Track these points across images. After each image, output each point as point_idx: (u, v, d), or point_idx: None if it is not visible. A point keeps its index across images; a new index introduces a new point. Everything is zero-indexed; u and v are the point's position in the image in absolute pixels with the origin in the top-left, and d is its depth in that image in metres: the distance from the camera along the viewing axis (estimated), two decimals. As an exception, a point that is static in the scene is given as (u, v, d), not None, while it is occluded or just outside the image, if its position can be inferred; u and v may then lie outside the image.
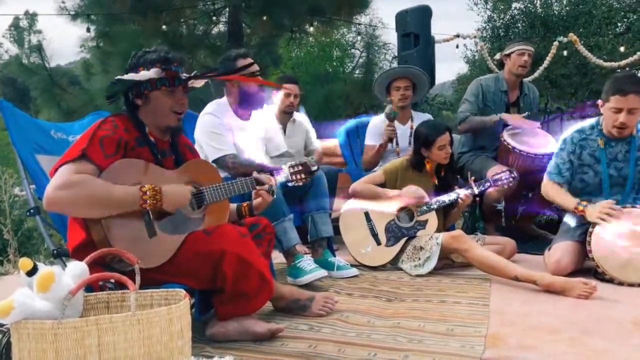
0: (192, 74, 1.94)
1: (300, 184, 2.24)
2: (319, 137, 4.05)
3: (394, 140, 3.49)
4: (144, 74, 1.84)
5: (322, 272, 2.63)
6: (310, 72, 9.74)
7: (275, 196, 2.14)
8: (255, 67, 2.70)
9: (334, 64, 12.27)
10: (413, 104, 3.79)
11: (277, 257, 2.92)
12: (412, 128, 3.61)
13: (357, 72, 11.39)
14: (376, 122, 3.64)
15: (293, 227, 2.75)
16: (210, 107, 2.89)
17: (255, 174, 2.10)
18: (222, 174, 2.68)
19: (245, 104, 2.86)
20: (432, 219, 3.00)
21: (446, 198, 3.00)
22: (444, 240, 2.77)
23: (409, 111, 3.67)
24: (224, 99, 2.93)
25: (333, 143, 4.73)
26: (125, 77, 1.85)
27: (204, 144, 2.81)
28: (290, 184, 2.23)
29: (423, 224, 2.98)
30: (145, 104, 1.91)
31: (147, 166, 1.84)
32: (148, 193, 1.75)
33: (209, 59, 6.97)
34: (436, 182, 3.06)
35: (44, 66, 6.30)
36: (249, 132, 2.92)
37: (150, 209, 1.77)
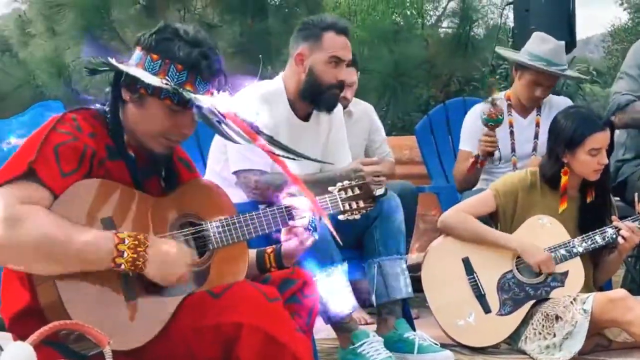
0: (218, 108, 1.90)
1: (358, 216, 2.25)
2: (386, 132, 4.07)
3: (497, 154, 3.45)
4: (145, 77, 1.86)
5: None
6: (369, 25, 9.74)
7: (317, 236, 2.16)
8: (348, 54, 2.88)
9: (408, 11, 12.22)
10: None
11: (321, 330, 2.93)
12: (538, 124, 3.59)
13: (444, 24, 11.30)
14: (478, 114, 3.62)
15: (348, 284, 2.76)
16: (255, 90, 2.95)
17: (288, 200, 2.12)
18: (235, 198, 2.74)
19: (309, 95, 2.94)
20: (575, 271, 2.96)
21: (599, 236, 2.96)
22: (596, 305, 2.73)
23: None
24: (278, 82, 3.02)
25: (408, 143, 4.74)
26: (121, 67, 1.89)
27: (229, 143, 2.89)
28: (341, 217, 2.24)
29: (560, 279, 2.96)
30: (135, 104, 1.95)
31: (123, 192, 1.89)
32: (126, 254, 1.78)
33: (210, 9, 7.10)
34: (562, 206, 3.04)
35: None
36: (304, 139, 2.98)
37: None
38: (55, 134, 1.87)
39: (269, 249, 2.18)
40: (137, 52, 1.93)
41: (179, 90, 1.87)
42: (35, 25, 6.89)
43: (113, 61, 1.90)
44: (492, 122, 3.31)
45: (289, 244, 2.15)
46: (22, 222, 1.73)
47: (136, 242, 1.79)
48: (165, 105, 1.91)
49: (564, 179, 3.02)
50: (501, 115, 3.33)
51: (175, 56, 1.90)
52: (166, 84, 1.86)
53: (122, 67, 1.90)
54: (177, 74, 1.89)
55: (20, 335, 1.85)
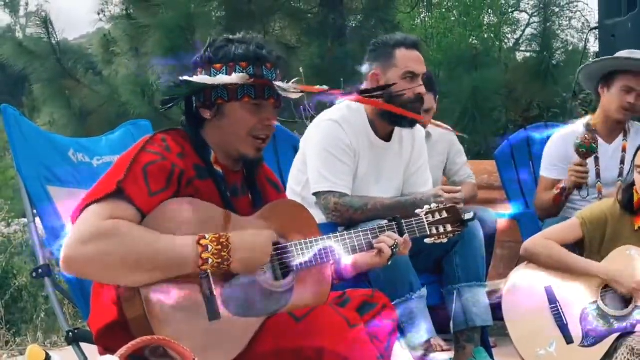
0: (292, 83, 2.01)
1: (445, 240, 2.23)
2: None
3: (586, 188, 3.36)
4: (222, 78, 1.94)
5: None
6: (446, 49, 9.71)
7: (391, 261, 2.15)
8: (421, 67, 2.90)
9: (486, 35, 12.14)
10: None
11: (397, 355, 2.91)
12: (624, 149, 3.49)
13: (523, 48, 11.15)
14: (562, 138, 3.55)
15: (426, 309, 2.76)
16: (336, 111, 3.01)
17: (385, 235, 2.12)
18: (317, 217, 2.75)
19: (389, 115, 2.94)
20: (663, 304, 2.86)
21: (688, 267, 2.86)
22: (686, 341, 2.64)
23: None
24: (358, 103, 3.03)
25: (487, 168, 4.67)
26: (195, 79, 1.96)
27: (310, 163, 2.94)
28: (428, 241, 2.23)
29: (647, 312, 2.86)
30: (216, 118, 2.01)
31: (210, 211, 1.92)
32: (210, 248, 1.84)
33: (289, 31, 7.20)
34: (637, 223, 2.95)
35: (51, 44, 6.79)
36: (386, 160, 3.00)
37: (211, 272, 1.84)
38: (145, 154, 1.93)
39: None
40: (199, 75, 1.99)
41: (261, 69, 1.97)
42: (120, 44, 7.09)
43: (192, 78, 1.97)
44: (585, 148, 3.22)
45: (361, 256, 2.14)
46: (107, 237, 1.79)
47: (219, 245, 1.84)
48: (245, 103, 1.99)
49: (636, 197, 2.94)
50: (595, 143, 3.22)
51: (236, 57, 1.97)
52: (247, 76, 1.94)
53: (201, 79, 1.96)
54: (244, 70, 1.96)
55: (107, 348, 1.90)
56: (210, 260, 1.84)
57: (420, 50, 3.00)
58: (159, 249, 1.81)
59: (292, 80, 2.03)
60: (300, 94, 2.07)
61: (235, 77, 1.94)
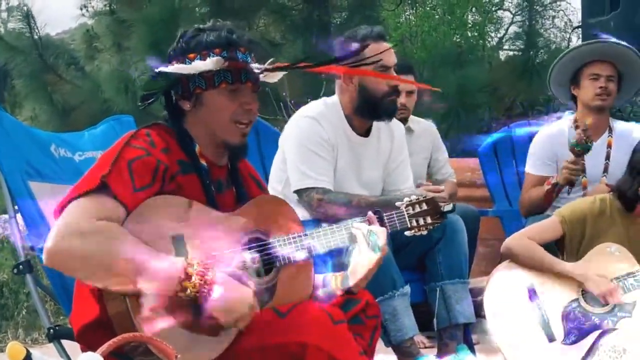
0: (268, 64, 2.01)
1: (424, 232, 2.24)
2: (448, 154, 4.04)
3: (580, 188, 3.38)
4: (197, 65, 1.93)
5: None
6: (430, 48, 9.73)
7: (378, 253, 2.14)
8: (392, 58, 2.87)
9: (470, 34, 12.19)
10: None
11: (379, 351, 2.91)
12: (610, 145, 3.52)
13: (506, 46, 11.22)
14: (548, 136, 3.57)
15: (409, 307, 2.76)
16: (313, 107, 3.01)
17: (369, 215, 2.11)
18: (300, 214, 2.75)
19: (366, 109, 2.94)
20: (645, 302, 2.89)
21: (672, 266, 2.88)
22: (666, 338, 2.67)
23: (606, 118, 3.58)
24: (334, 99, 3.03)
25: (470, 165, 4.69)
26: (171, 69, 1.95)
27: (290, 162, 2.93)
28: (408, 233, 2.23)
29: (628, 309, 2.87)
30: (196, 108, 2.00)
31: (194, 208, 1.91)
32: (194, 279, 1.78)
33: (274, 27, 7.19)
34: None
35: (33, 39, 6.75)
36: (364, 156, 3.00)
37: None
38: (129, 149, 1.91)
39: (339, 275, 2.16)
40: (174, 66, 1.98)
41: (235, 53, 1.96)
42: (103, 40, 7.06)
43: (167, 68, 1.96)
44: (581, 147, 3.22)
45: (355, 259, 2.12)
46: (92, 235, 1.77)
47: (202, 281, 1.79)
48: (222, 90, 1.98)
49: None
50: (590, 142, 3.24)
51: (208, 44, 1.96)
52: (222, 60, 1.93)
53: (176, 68, 1.95)
54: (218, 57, 1.95)
55: (88, 346, 1.89)
56: (188, 290, 1.78)
57: (386, 40, 2.99)
58: (143, 262, 1.77)
59: (268, 62, 2.02)
60: (277, 73, 2.06)
61: (210, 62, 1.93)
